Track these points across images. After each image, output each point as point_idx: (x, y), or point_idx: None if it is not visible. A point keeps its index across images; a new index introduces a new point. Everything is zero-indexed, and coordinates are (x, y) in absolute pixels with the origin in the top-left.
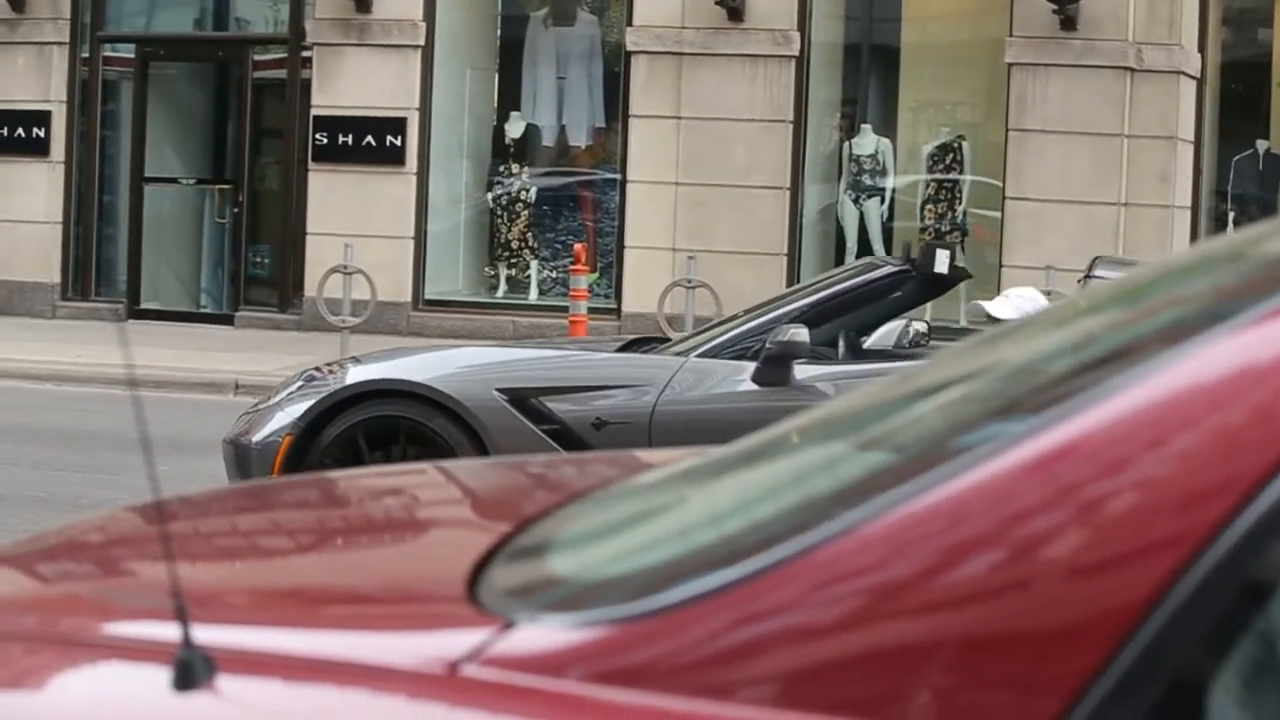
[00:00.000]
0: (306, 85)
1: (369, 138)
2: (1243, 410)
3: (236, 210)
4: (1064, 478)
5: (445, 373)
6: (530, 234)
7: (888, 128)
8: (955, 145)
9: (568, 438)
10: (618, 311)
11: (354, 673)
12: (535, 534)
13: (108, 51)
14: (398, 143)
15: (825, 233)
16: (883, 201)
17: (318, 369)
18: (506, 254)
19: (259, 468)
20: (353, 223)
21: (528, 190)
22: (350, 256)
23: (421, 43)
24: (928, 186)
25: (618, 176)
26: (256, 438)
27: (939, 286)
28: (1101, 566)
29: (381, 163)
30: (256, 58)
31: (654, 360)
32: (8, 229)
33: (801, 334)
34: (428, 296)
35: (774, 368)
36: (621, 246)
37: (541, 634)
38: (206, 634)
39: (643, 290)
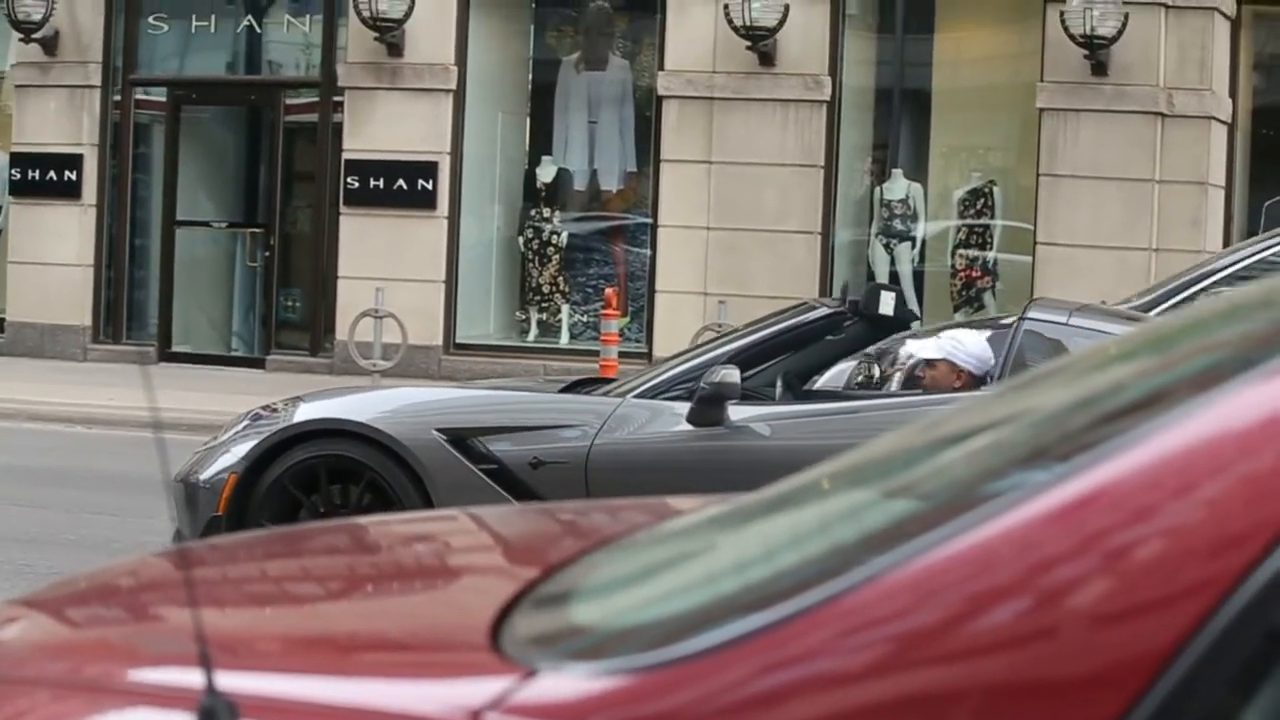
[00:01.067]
0: (338, 129)
1: (400, 181)
2: (1270, 456)
3: (268, 253)
4: (1090, 525)
5: (386, 412)
6: (561, 278)
7: (919, 172)
8: (986, 190)
9: (506, 478)
10: (649, 355)
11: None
12: (559, 581)
13: (139, 94)
14: (429, 186)
15: (856, 277)
16: (914, 246)
17: (264, 408)
18: (538, 298)
19: (206, 506)
20: (384, 266)
21: (559, 234)
22: (381, 300)
23: (453, 87)
24: (959, 231)
25: (649, 220)
26: (204, 476)
27: (886, 328)
28: (1127, 614)
29: (413, 206)
30: (288, 101)
31: (591, 401)
32: (40, 272)
33: (733, 375)
34: (459, 340)
35: (708, 408)
36: (653, 290)
37: (564, 682)
38: (231, 680)
39: (674, 334)
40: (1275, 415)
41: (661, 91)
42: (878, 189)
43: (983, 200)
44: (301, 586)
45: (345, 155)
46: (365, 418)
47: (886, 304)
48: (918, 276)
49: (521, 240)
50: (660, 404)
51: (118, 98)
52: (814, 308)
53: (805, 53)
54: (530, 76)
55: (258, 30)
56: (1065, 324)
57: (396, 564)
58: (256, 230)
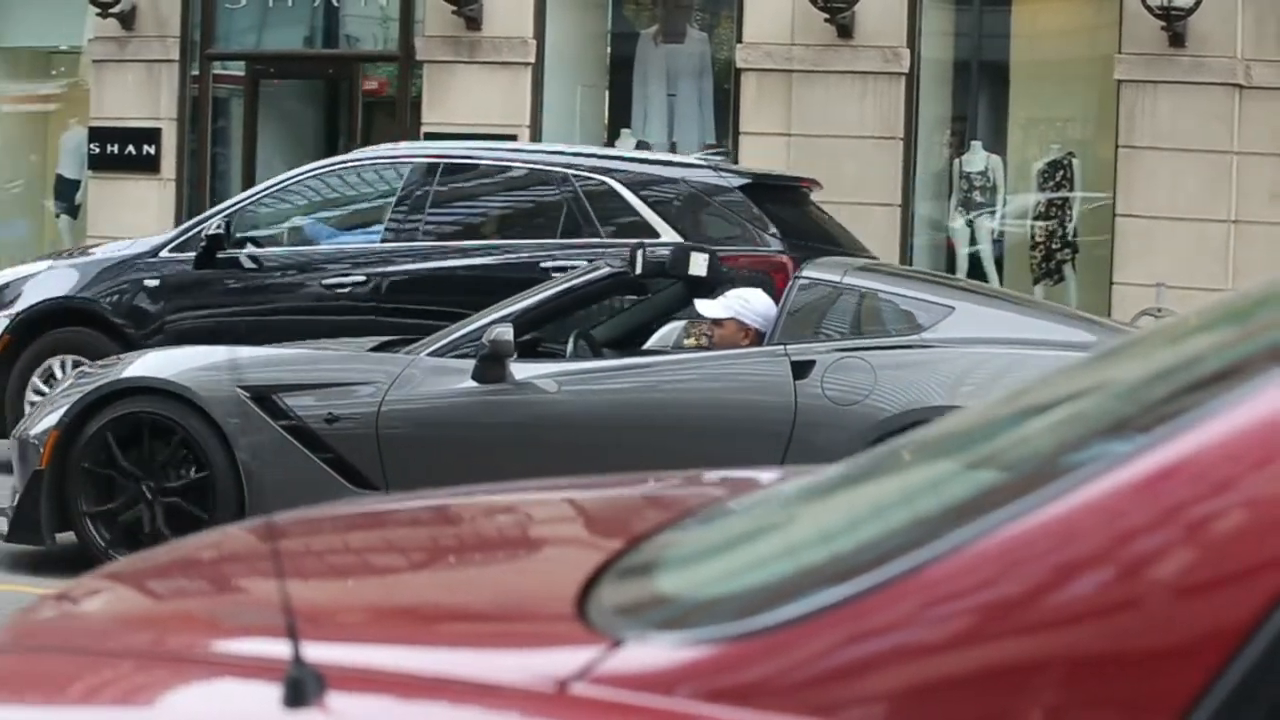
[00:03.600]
0: (417, 102)
1: None
2: None
3: None
4: (1172, 497)
5: (195, 369)
6: None
7: (998, 144)
8: (1065, 162)
9: (304, 434)
10: None
11: (464, 690)
12: (644, 552)
13: (217, 69)
14: None
15: (936, 249)
16: (993, 218)
17: (90, 365)
18: None
19: (33, 461)
20: None
21: None
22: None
23: (532, 60)
24: (1038, 203)
25: None
26: (34, 432)
27: (702, 287)
28: (1209, 586)
29: None
30: (366, 75)
31: (384, 359)
32: None
33: (507, 333)
34: None
35: (489, 366)
36: None
37: (650, 652)
38: (317, 651)
39: None
40: None
41: (740, 64)
42: (957, 161)
43: (1062, 172)
44: (384, 558)
45: (424, 129)
46: (173, 375)
47: (698, 265)
48: (997, 247)
49: None
50: (449, 362)
51: (196, 72)
52: (598, 268)
53: (883, 25)
54: (609, 49)
55: (335, 4)
56: (839, 282)
57: (479, 535)
58: None
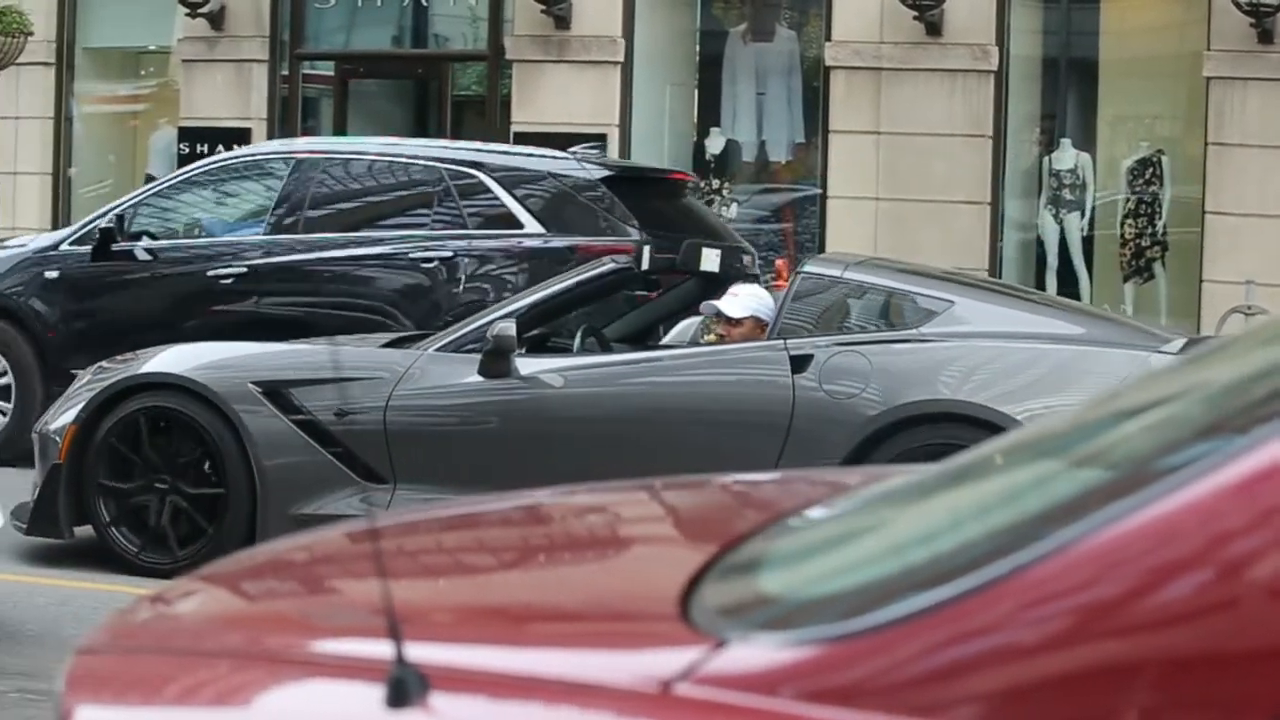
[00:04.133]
0: (506, 101)
1: None
2: None
3: None
4: (1270, 498)
5: (209, 365)
6: None
7: (1087, 142)
8: (1154, 159)
9: (314, 428)
10: None
11: (568, 691)
12: (745, 553)
13: (307, 68)
14: None
15: (1025, 247)
16: (1083, 216)
17: (110, 360)
18: None
19: (53, 456)
20: None
21: (728, 205)
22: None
23: (621, 59)
24: (1127, 201)
25: (818, 191)
26: (52, 427)
27: (717, 284)
28: None
29: None
30: (456, 74)
31: (393, 355)
32: None
33: (509, 329)
34: None
35: (493, 361)
36: None
37: (754, 652)
38: (417, 651)
39: None
40: None
41: (829, 62)
42: (1046, 159)
43: (1151, 170)
44: (481, 558)
45: (514, 128)
46: (187, 371)
47: (709, 261)
48: (1087, 245)
49: None
50: (456, 357)
51: (285, 72)
52: (602, 264)
53: (972, 22)
54: (698, 48)
55: (424, 3)
56: (840, 277)
57: (576, 535)
58: None
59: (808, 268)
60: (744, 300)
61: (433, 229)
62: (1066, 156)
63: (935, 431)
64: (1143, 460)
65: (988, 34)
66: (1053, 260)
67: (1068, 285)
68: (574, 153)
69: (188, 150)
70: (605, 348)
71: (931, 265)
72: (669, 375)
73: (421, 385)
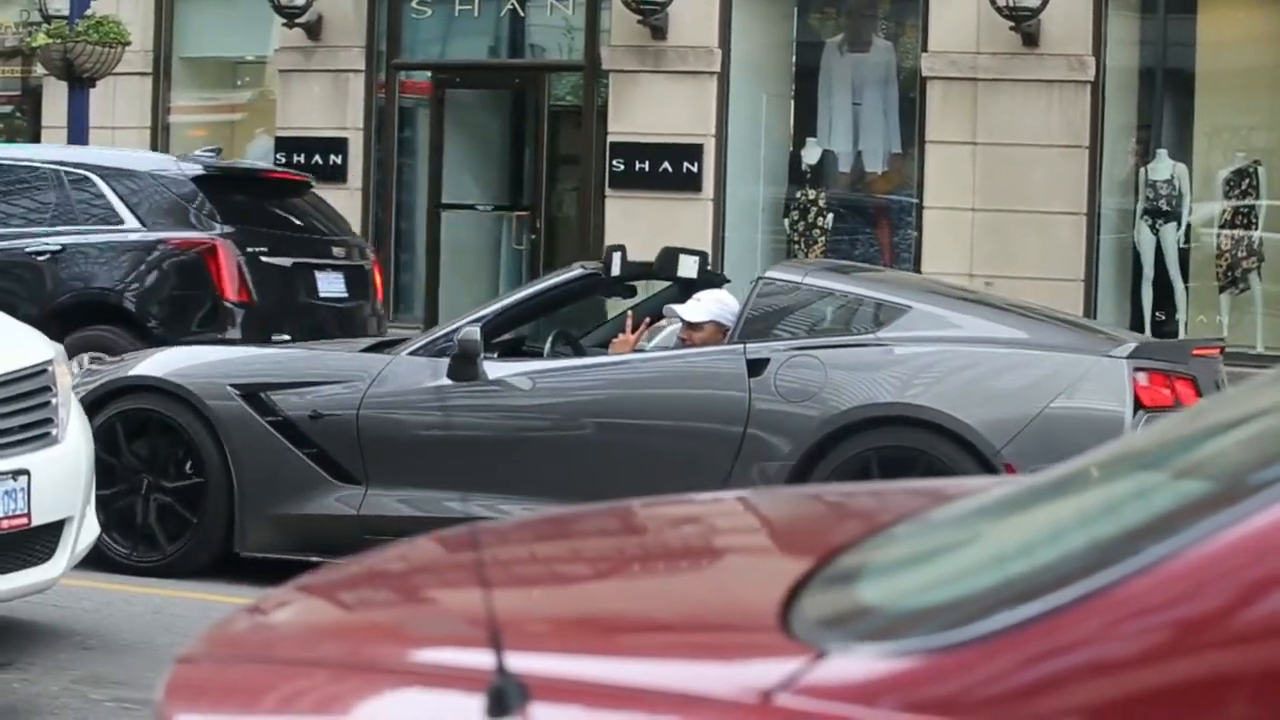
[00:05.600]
0: (603, 111)
1: (665, 164)
2: None
3: (534, 237)
4: None
5: (190, 368)
6: (828, 259)
7: (1183, 152)
8: (1251, 170)
9: (290, 430)
10: None
11: (668, 701)
12: (845, 564)
13: (403, 78)
14: (694, 169)
15: (1123, 258)
16: (1179, 226)
17: (99, 362)
18: None
19: None
20: (650, 248)
21: (824, 216)
22: (649, 282)
23: (717, 69)
24: (1224, 211)
25: (914, 201)
26: None
27: (693, 289)
28: None
29: (678, 189)
30: (552, 84)
31: (367, 358)
32: None
33: (474, 333)
34: None
35: (461, 364)
36: (919, 271)
37: (855, 664)
38: (517, 661)
39: None
40: None
41: (925, 73)
42: (1142, 169)
43: (1247, 180)
44: (577, 568)
45: (610, 138)
46: (169, 374)
47: (687, 268)
48: (1183, 256)
49: (787, 222)
50: (427, 360)
51: (382, 82)
52: (571, 269)
53: (1068, 33)
54: (794, 58)
55: (520, 14)
56: (800, 282)
57: (673, 546)
58: (522, 213)
59: (769, 274)
60: (705, 305)
61: (49, 225)
62: (1163, 167)
63: (885, 435)
64: (1237, 475)
65: (1084, 44)
66: (1149, 270)
67: (1163, 295)
68: (193, 155)
69: (284, 160)
70: (580, 353)
71: (900, 272)
72: (633, 379)
73: (393, 388)
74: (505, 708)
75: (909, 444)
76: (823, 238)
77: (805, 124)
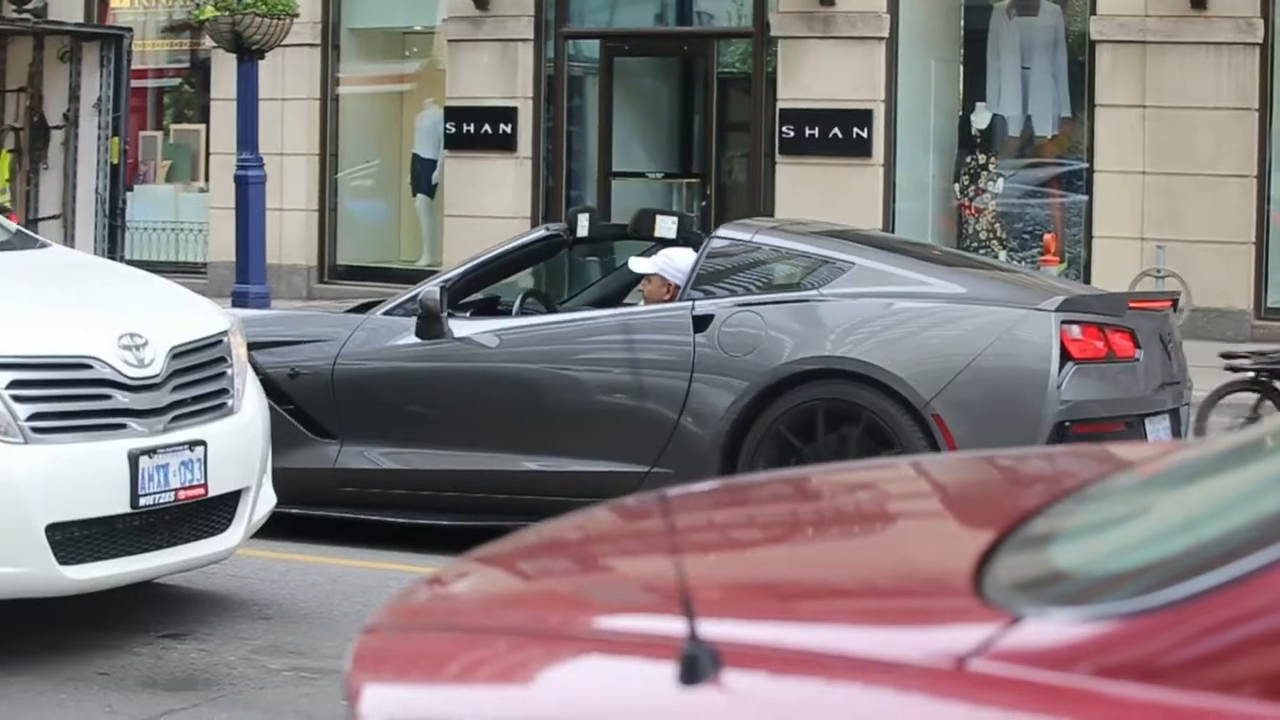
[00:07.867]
0: (771, 78)
1: (835, 130)
2: None
3: (704, 203)
4: None
5: None
6: (998, 225)
7: None
8: None
9: (271, 387)
10: None
11: (861, 667)
12: (1035, 528)
13: (571, 48)
14: (864, 135)
15: None
16: None
17: None
18: (975, 245)
19: None
20: (820, 215)
21: (995, 181)
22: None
23: (886, 34)
24: None
25: (1084, 166)
26: None
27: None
28: None
29: (848, 155)
30: (721, 51)
31: (342, 318)
32: (477, 224)
33: (434, 293)
34: None
35: (427, 323)
36: (1090, 236)
37: (1049, 628)
38: (707, 628)
39: (1112, 279)
40: None
41: (1094, 36)
42: None
43: None
44: (758, 535)
45: (779, 105)
46: None
47: (665, 228)
48: None
49: (957, 187)
50: (400, 320)
51: (551, 51)
52: (535, 231)
53: None
54: (962, 23)
55: None
56: (750, 240)
57: (855, 513)
58: (692, 180)
59: (720, 232)
60: (655, 260)
61: None
62: None
63: (821, 387)
64: None
65: (1252, 6)
66: None
67: None
68: None
69: (454, 130)
70: (551, 310)
71: (861, 229)
72: (589, 334)
73: (366, 346)
74: (698, 674)
75: (843, 396)
76: (993, 202)
77: (974, 89)
